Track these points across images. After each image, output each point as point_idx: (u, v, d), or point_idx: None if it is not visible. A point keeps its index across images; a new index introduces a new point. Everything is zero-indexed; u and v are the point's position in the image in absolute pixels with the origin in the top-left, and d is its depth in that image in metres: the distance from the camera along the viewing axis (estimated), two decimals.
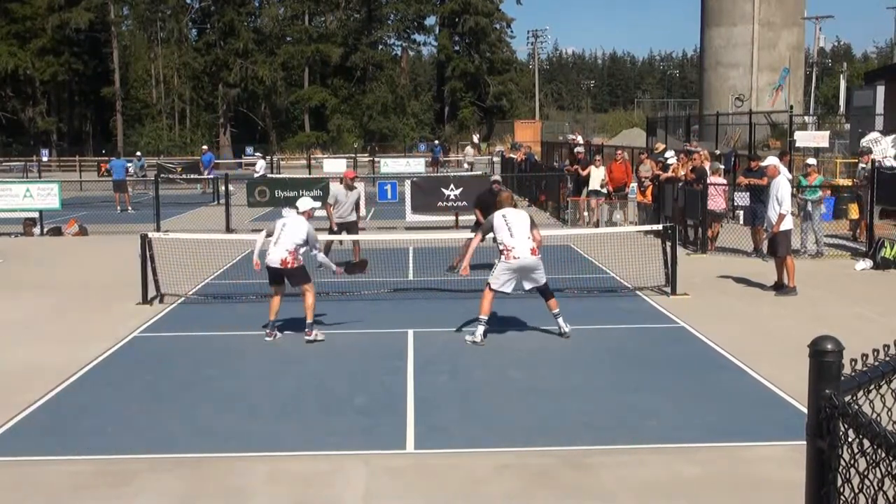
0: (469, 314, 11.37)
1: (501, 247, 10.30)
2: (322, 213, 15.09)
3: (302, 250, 10.54)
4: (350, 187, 15.48)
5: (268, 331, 10.61)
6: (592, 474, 6.50)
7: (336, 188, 15.70)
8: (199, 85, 70.58)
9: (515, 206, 11.13)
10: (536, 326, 10.97)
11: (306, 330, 10.52)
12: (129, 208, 27.92)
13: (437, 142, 54.57)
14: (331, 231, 15.34)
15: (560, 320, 10.50)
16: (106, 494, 6.26)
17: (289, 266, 10.39)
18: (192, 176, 35.45)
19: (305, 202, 11.13)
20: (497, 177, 16.58)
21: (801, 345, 3.33)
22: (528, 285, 10.46)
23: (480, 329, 10.35)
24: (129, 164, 33.11)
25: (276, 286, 10.65)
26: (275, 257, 10.42)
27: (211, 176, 34.42)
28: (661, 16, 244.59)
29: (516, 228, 10.29)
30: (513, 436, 7.29)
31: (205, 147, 41.30)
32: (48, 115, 67.20)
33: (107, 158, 45.94)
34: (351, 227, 15.41)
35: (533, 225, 10.49)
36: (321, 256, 11.08)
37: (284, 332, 10.83)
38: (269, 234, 10.71)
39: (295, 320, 10.91)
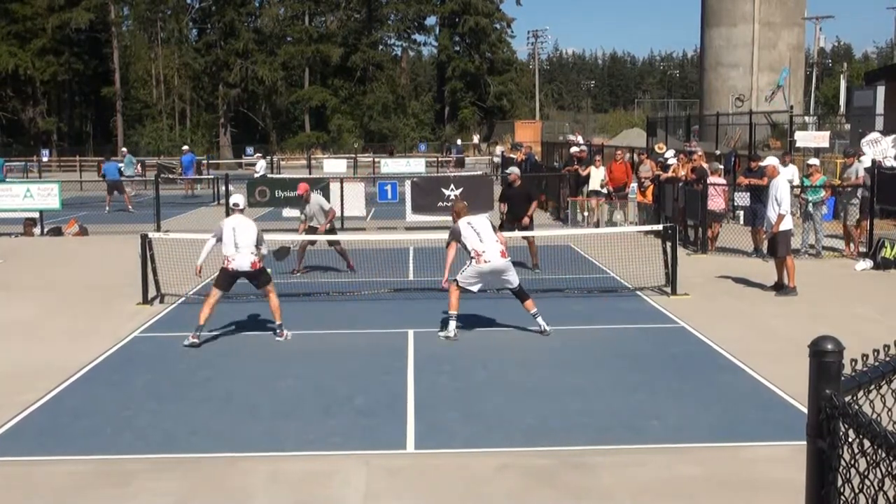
0: (470, 314, 11.38)
1: (473, 252, 10.49)
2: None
3: None
4: (306, 201, 15.11)
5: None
6: (592, 474, 6.50)
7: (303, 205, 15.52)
8: (200, 85, 70.52)
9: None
10: (534, 327, 10.95)
11: None
12: (130, 207, 27.65)
13: (459, 142, 54.38)
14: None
15: (539, 320, 10.63)
16: (106, 494, 6.26)
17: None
18: (191, 176, 35.35)
19: None
20: (514, 168, 16.51)
21: (801, 345, 3.33)
22: (497, 286, 10.72)
23: (452, 324, 10.56)
24: (121, 165, 32.24)
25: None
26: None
27: (194, 176, 34.20)
28: (661, 16, 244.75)
29: (484, 234, 10.53)
30: (513, 436, 7.29)
31: (185, 147, 38.94)
32: (48, 116, 67.17)
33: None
34: (313, 233, 15.19)
35: (495, 228, 10.79)
36: None
37: (275, 332, 10.83)
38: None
39: (294, 319, 10.90)
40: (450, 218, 21.73)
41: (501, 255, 10.42)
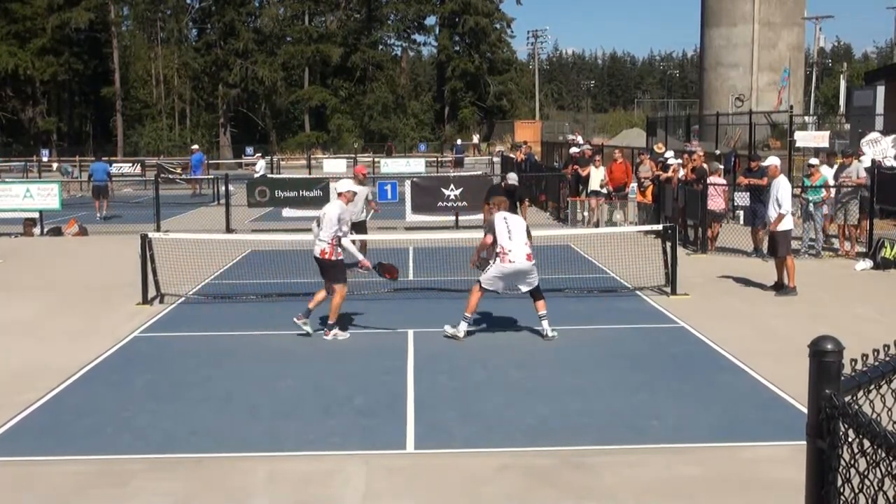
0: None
1: (499, 249, 10.34)
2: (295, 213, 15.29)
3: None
4: (361, 183, 15.34)
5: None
6: (592, 474, 6.50)
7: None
8: (199, 85, 70.47)
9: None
10: (536, 326, 10.95)
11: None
12: (102, 213, 25.64)
13: (459, 142, 54.19)
14: None
15: (545, 323, 10.53)
16: (106, 494, 6.26)
17: None
18: (192, 176, 35.34)
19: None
20: (513, 174, 16.64)
21: (801, 345, 3.33)
22: (523, 288, 10.56)
23: (463, 325, 10.50)
24: (109, 168, 30.13)
25: None
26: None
27: (199, 175, 34.12)
28: (661, 16, 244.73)
29: (515, 233, 10.38)
30: (513, 436, 7.29)
31: (195, 147, 38.62)
32: (48, 115, 67.12)
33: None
34: (360, 227, 15.26)
35: (528, 231, 10.63)
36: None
37: (280, 332, 10.84)
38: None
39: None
40: (450, 218, 22.01)
41: (527, 257, 10.30)
